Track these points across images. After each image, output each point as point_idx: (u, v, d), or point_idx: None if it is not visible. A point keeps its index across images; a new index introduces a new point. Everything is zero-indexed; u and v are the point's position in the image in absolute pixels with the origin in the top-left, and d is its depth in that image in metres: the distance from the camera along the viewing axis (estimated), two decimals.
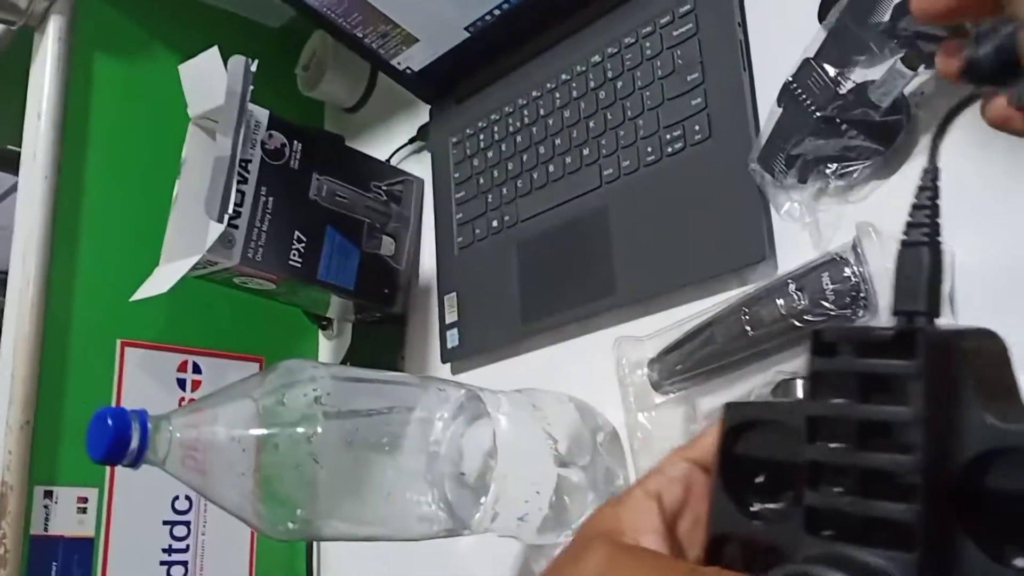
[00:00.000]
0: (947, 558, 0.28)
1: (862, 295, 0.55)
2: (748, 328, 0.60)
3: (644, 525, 0.38)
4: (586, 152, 0.83)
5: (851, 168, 0.65)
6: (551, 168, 0.86)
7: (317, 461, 0.61)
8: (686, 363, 0.65)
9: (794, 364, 0.60)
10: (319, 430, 0.62)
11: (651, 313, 0.77)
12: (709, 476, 0.39)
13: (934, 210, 0.35)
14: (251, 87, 0.84)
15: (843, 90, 0.63)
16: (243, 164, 0.88)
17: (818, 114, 0.64)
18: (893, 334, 0.31)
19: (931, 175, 0.35)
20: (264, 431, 0.61)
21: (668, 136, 0.77)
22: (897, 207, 0.64)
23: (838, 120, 0.64)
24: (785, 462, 0.35)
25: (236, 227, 0.88)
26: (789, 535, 0.32)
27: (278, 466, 0.61)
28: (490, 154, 0.93)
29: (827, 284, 0.56)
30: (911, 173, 0.64)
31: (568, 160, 0.85)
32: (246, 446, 0.61)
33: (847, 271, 0.56)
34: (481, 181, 0.93)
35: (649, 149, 0.78)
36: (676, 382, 0.66)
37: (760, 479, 0.36)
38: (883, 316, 0.54)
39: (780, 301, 0.59)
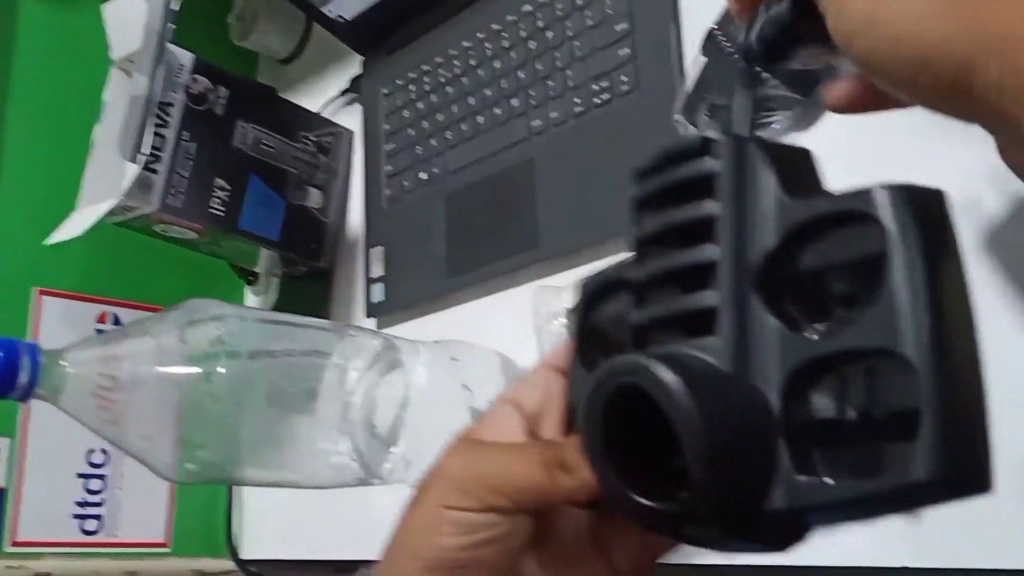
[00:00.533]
0: (750, 337, 0.29)
1: None
2: None
3: (505, 429, 0.38)
4: (515, 103, 0.82)
5: (771, 119, 0.64)
6: (480, 119, 0.85)
7: (218, 401, 0.60)
8: None
9: None
10: (221, 370, 0.60)
11: (575, 266, 0.76)
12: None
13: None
14: (172, 25, 0.81)
15: None
16: (164, 108, 0.86)
17: (741, 64, 0.63)
18: (700, 141, 0.32)
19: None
20: (161, 369, 0.59)
21: (596, 87, 0.76)
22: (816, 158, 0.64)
23: (759, 69, 0.63)
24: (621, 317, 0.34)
25: (155, 172, 0.85)
26: None
27: (176, 405, 0.59)
28: (420, 105, 0.91)
29: None
30: (830, 124, 0.64)
31: (497, 111, 0.84)
32: (143, 384, 0.59)
33: None
34: (411, 133, 0.91)
35: (577, 100, 0.77)
36: None
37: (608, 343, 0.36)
38: None
39: None
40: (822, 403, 0.27)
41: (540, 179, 0.79)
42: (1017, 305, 0.53)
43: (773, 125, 0.65)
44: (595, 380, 0.30)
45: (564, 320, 0.67)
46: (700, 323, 0.29)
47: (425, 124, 0.90)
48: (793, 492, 0.27)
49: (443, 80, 0.89)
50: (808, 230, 0.28)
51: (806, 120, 0.64)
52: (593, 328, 0.37)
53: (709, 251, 0.30)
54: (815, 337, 0.28)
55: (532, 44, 0.81)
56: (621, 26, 0.75)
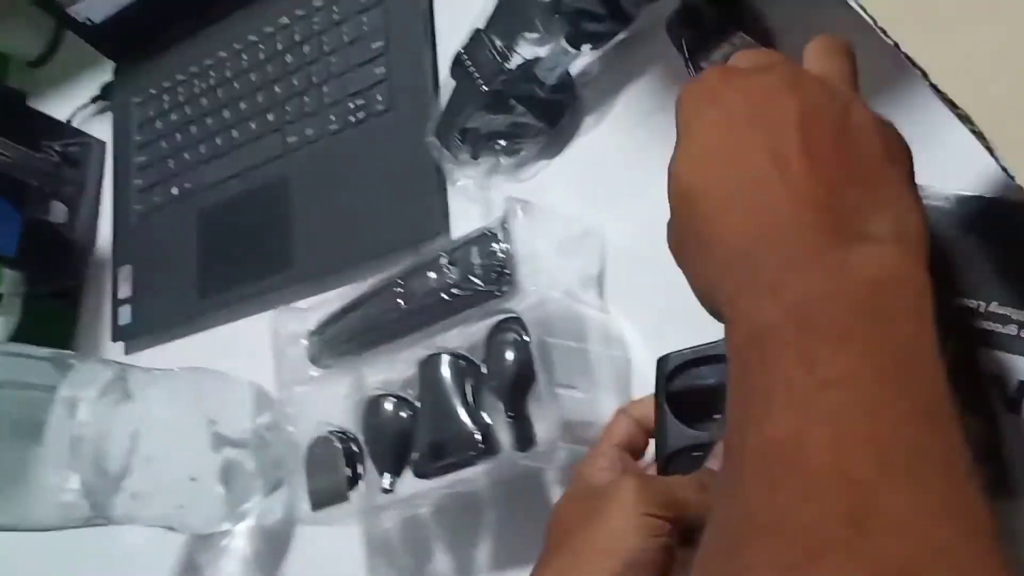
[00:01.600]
0: None
1: (507, 271, 0.54)
2: (401, 301, 0.58)
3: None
4: (270, 118, 0.79)
5: (519, 145, 0.64)
6: (235, 133, 0.81)
7: None
8: (344, 335, 0.62)
9: (447, 339, 0.58)
10: None
11: (329, 288, 0.73)
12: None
13: None
14: None
15: (511, 65, 0.62)
16: None
17: (485, 88, 0.63)
18: None
19: None
20: None
21: (351, 105, 0.74)
22: (561, 187, 0.65)
23: (506, 96, 0.63)
24: (716, 386, 0.46)
25: None
26: None
27: None
28: (174, 116, 0.86)
29: (476, 259, 0.55)
30: (575, 153, 0.64)
31: (253, 126, 0.80)
32: None
33: (494, 246, 0.54)
34: (163, 145, 0.87)
35: (332, 118, 0.75)
36: (334, 355, 0.63)
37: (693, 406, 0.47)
38: (525, 292, 0.54)
39: (432, 275, 0.57)
40: None
41: (295, 197, 0.76)
42: None
43: (521, 152, 0.64)
44: None
45: (305, 342, 0.64)
46: None
47: (178, 136, 0.85)
48: None
49: (198, 91, 0.85)
50: None
51: (551, 149, 0.64)
52: (675, 394, 0.48)
53: None
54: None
55: (289, 58, 0.79)
56: (377, 44, 0.73)
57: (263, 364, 0.74)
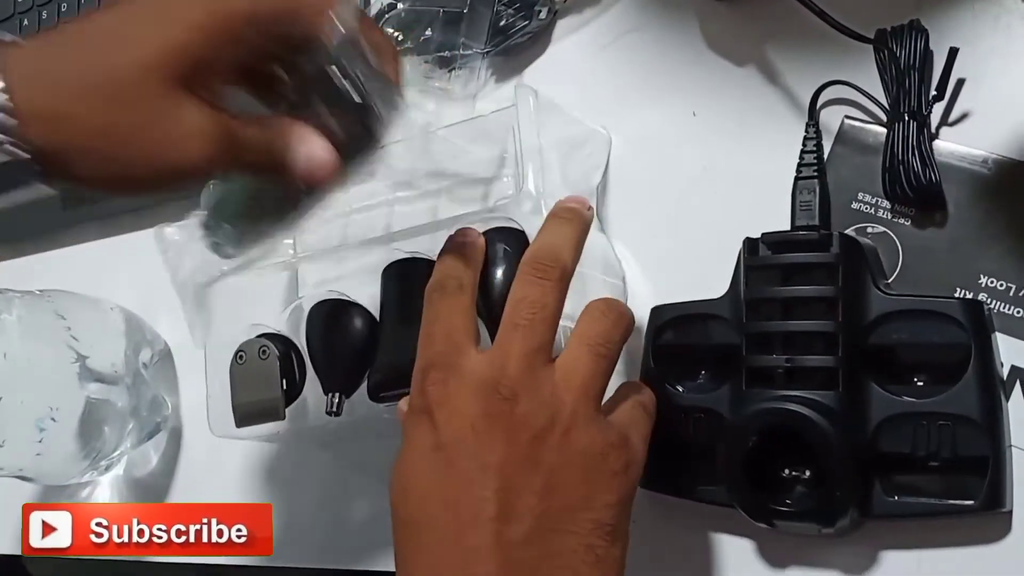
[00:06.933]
0: (856, 392, 0.40)
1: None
2: None
3: None
4: None
5: (473, 53, 0.56)
6: None
7: None
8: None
9: (415, 244, 0.49)
10: None
11: None
12: None
13: (819, 154, 0.44)
14: None
15: None
16: None
17: None
18: (817, 236, 0.41)
19: (815, 129, 0.44)
20: None
21: None
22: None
23: None
24: (702, 346, 0.45)
25: None
26: (721, 397, 0.43)
27: None
28: None
29: None
30: (533, 76, 0.56)
31: None
32: None
33: None
34: (26, 24, 0.74)
35: None
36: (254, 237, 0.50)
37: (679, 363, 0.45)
38: (527, 196, 0.45)
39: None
40: (902, 442, 0.39)
41: None
42: None
43: (475, 63, 0.56)
44: (749, 416, 0.41)
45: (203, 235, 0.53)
46: (812, 378, 0.40)
47: (43, 13, 0.73)
48: (881, 503, 0.39)
49: None
50: (894, 316, 0.40)
51: (507, 70, 0.56)
52: (662, 348, 0.45)
53: (827, 324, 0.40)
54: (905, 397, 0.39)
55: None
56: None
57: (142, 289, 0.67)
